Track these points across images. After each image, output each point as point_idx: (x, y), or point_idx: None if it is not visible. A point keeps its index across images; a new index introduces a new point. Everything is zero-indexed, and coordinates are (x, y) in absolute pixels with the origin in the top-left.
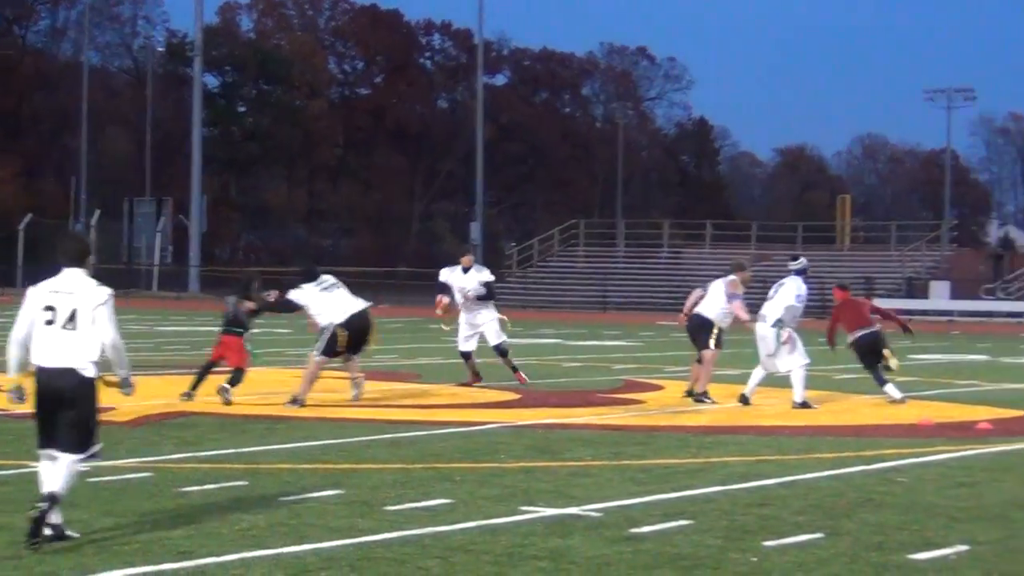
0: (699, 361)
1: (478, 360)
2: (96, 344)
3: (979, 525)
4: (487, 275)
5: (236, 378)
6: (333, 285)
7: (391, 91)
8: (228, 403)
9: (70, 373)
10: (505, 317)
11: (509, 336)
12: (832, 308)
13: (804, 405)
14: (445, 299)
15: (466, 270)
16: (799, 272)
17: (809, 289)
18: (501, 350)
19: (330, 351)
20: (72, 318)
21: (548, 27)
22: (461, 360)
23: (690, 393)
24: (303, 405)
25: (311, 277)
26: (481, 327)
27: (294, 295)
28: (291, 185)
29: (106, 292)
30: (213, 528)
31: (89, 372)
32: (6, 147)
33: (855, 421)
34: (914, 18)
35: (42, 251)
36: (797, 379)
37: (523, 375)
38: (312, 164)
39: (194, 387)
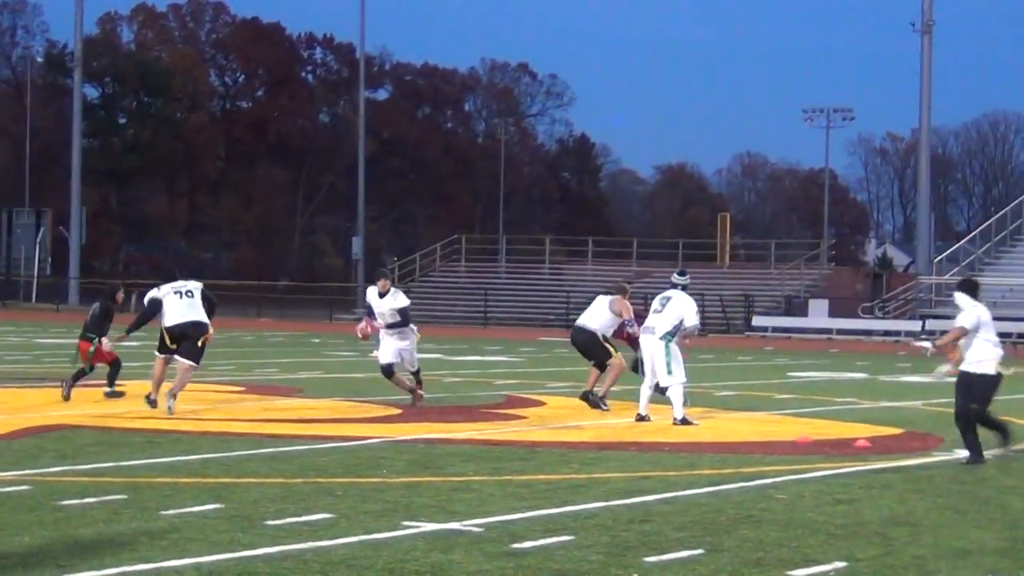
0: (599, 368)
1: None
2: None
3: (857, 542)
4: (402, 300)
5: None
6: (187, 293)
7: (272, 104)
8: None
9: None
10: (418, 335)
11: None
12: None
13: (684, 422)
14: (371, 323)
15: (382, 295)
16: (684, 287)
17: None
18: (416, 374)
19: (160, 349)
20: None
21: (430, 43)
22: (383, 378)
23: (586, 396)
24: (155, 403)
25: (170, 277)
26: (402, 351)
27: (150, 293)
28: (172, 197)
29: None
30: (92, 542)
31: None
32: None
33: (735, 438)
34: (793, 38)
35: None
36: (676, 396)
37: (421, 394)
38: (193, 177)
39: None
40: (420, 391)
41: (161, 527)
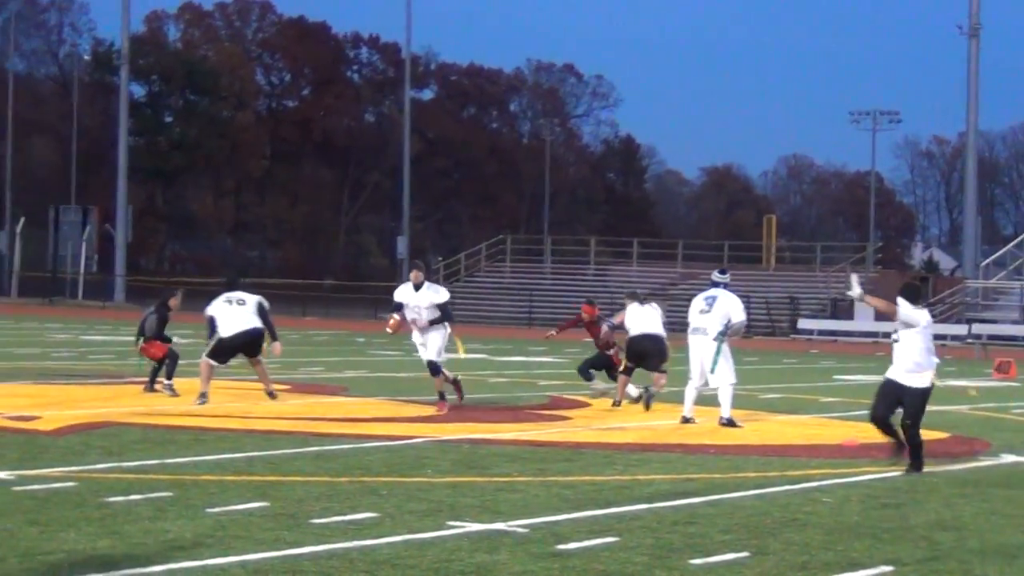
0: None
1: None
2: None
3: (903, 546)
4: (442, 295)
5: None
6: (238, 301)
7: (318, 104)
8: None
9: None
10: (459, 340)
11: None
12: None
13: (731, 423)
14: (396, 317)
15: (417, 287)
16: (726, 286)
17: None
18: (434, 368)
19: (214, 356)
20: None
21: (476, 43)
22: (430, 374)
23: (646, 401)
24: (207, 401)
25: (230, 287)
26: (431, 339)
27: (207, 311)
28: (217, 196)
29: None
30: (138, 539)
31: None
32: None
33: (781, 441)
34: (841, 40)
35: None
36: (725, 396)
37: (446, 405)
38: (239, 175)
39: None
40: (444, 405)
41: (207, 525)
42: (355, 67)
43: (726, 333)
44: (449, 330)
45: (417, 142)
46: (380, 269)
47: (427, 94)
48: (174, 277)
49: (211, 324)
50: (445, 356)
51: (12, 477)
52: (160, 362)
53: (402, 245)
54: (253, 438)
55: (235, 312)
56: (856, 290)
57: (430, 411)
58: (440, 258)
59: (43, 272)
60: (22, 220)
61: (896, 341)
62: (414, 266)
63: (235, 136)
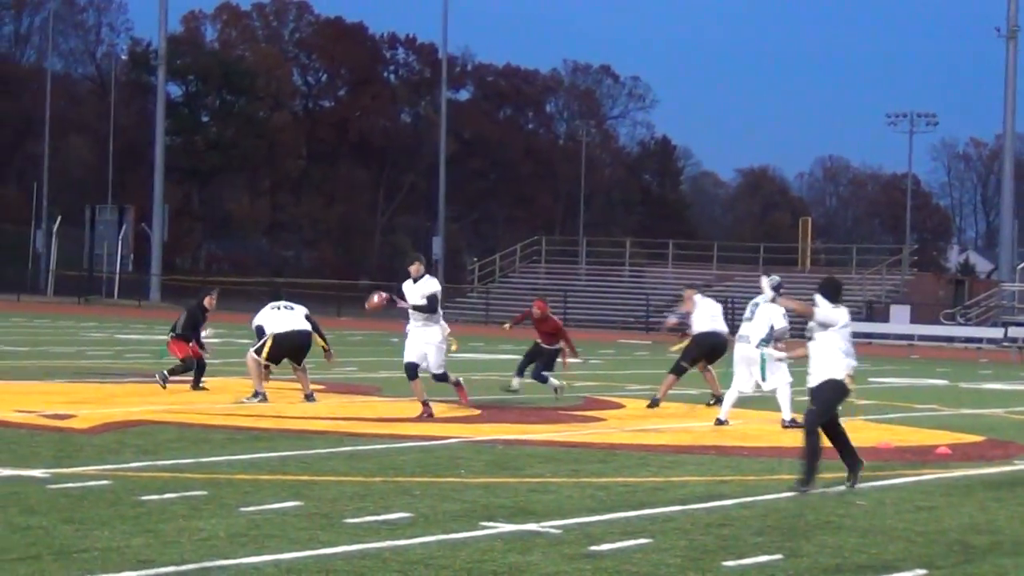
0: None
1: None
2: None
3: (937, 550)
4: (431, 286)
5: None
6: (286, 307)
7: (355, 104)
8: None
9: None
10: (453, 339)
11: (455, 354)
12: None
13: (794, 423)
14: (382, 295)
15: (416, 280)
16: (775, 288)
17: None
18: (439, 378)
19: (259, 351)
20: None
21: (512, 44)
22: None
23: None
24: (264, 398)
25: (273, 298)
26: (427, 347)
27: (255, 321)
28: (253, 196)
29: None
30: (172, 537)
31: None
32: None
33: None
34: (877, 42)
35: (2, 256)
36: (783, 397)
37: (465, 392)
38: (275, 175)
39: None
40: (463, 396)
41: (241, 524)
42: (391, 67)
43: (768, 340)
44: (447, 331)
45: (453, 143)
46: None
47: (463, 95)
48: (210, 277)
49: (259, 333)
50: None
51: (48, 475)
52: (189, 361)
53: (437, 246)
54: (287, 438)
55: (284, 315)
56: (768, 293)
57: (464, 412)
58: (475, 259)
59: (79, 271)
60: (59, 219)
61: (811, 339)
62: (414, 259)
63: (271, 136)
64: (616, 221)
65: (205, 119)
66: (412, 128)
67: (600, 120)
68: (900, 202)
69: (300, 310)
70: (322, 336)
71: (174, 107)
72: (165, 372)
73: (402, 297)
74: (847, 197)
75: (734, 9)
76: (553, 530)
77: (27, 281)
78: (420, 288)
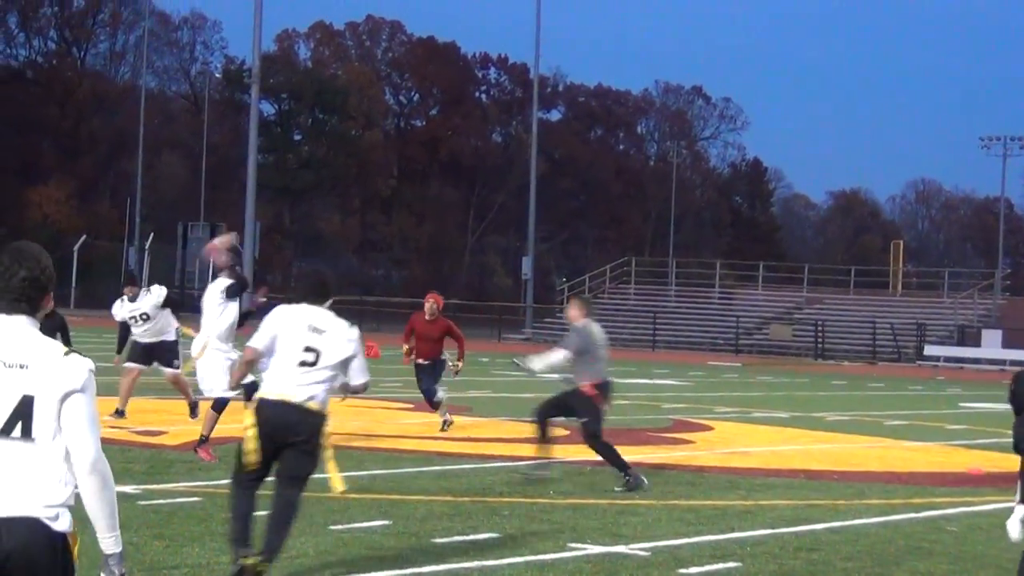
0: None
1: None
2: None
3: None
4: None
5: None
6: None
7: (446, 123)
8: None
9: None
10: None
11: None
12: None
13: None
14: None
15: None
16: None
17: (865, 332)
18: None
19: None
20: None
21: (604, 64)
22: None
23: None
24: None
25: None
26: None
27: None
28: (344, 214)
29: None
30: None
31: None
32: (63, 168)
33: (906, 468)
34: (971, 65)
35: (96, 273)
36: None
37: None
38: (366, 194)
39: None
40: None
41: (329, 541)
42: (483, 87)
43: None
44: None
45: (543, 163)
46: (504, 289)
47: (555, 115)
48: None
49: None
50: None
51: (139, 491)
52: None
53: (527, 265)
54: (376, 456)
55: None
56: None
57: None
58: (564, 279)
59: (171, 288)
60: (151, 236)
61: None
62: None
63: (363, 155)
64: (706, 243)
65: (297, 137)
66: (503, 148)
67: (691, 141)
68: (993, 226)
69: None
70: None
71: (266, 125)
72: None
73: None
74: (939, 220)
75: (827, 31)
76: (641, 552)
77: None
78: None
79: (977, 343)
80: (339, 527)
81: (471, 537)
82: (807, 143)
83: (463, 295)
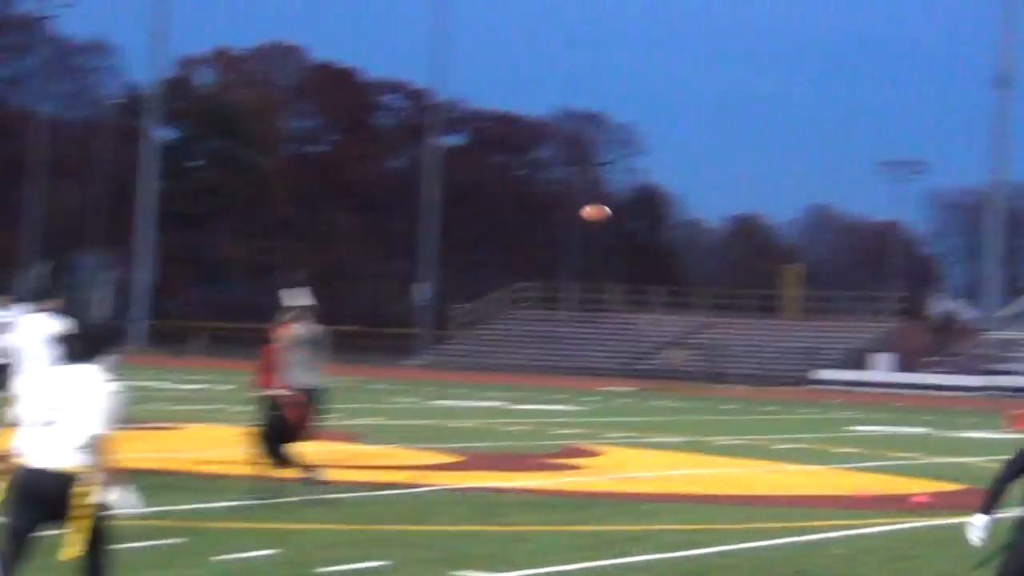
0: None
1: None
2: None
3: None
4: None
5: None
6: None
7: (345, 149)
8: None
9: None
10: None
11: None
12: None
13: None
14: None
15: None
16: None
17: (752, 356)
18: None
19: None
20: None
21: (506, 90)
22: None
23: None
24: None
25: None
26: None
27: None
28: (241, 240)
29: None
30: None
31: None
32: None
33: (793, 491)
34: (867, 91)
35: None
36: None
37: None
38: (264, 220)
39: None
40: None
41: (216, 572)
42: (383, 113)
43: None
44: None
45: (442, 188)
46: (401, 316)
47: (455, 140)
48: (198, 322)
49: None
50: None
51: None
52: None
53: (421, 292)
54: (260, 484)
55: None
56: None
57: (444, 459)
58: (462, 304)
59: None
60: (47, 263)
61: None
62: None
63: (262, 181)
64: (604, 268)
65: (195, 164)
66: (402, 173)
67: (590, 167)
68: (888, 250)
69: None
70: None
71: (166, 151)
72: None
73: None
74: (836, 244)
75: (725, 58)
76: None
77: None
78: None
79: (869, 366)
80: (223, 557)
81: (359, 565)
82: (705, 169)
83: (360, 321)
